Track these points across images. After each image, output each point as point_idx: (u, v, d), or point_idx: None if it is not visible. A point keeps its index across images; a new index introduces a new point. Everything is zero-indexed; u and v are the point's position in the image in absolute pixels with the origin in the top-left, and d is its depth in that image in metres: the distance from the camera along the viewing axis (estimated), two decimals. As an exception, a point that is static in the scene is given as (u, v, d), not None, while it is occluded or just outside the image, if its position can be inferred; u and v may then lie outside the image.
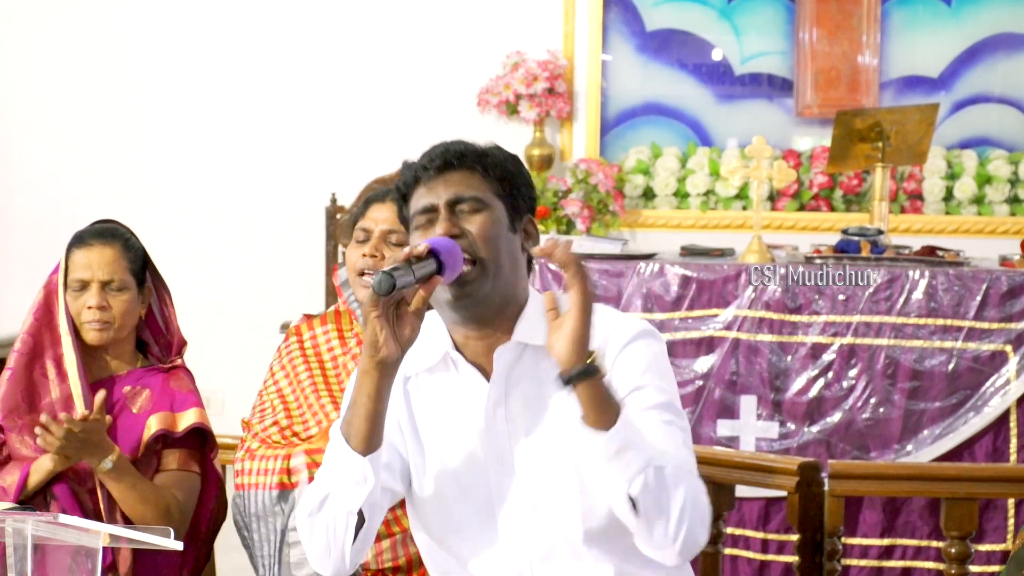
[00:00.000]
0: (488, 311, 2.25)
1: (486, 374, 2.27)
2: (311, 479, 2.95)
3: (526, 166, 2.40)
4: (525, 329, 2.25)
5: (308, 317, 3.24)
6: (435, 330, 2.30)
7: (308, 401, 3.07)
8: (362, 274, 3.10)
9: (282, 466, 2.99)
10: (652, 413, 2.18)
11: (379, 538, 2.97)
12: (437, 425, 2.30)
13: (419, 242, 2.17)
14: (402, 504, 2.96)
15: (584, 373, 2.04)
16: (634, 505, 2.07)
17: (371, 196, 3.21)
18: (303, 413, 3.07)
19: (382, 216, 3.12)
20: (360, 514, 2.20)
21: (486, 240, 2.22)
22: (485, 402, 2.26)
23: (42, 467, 3.01)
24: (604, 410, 2.05)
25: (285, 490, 2.98)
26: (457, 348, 2.30)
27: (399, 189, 2.33)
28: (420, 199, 2.28)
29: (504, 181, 2.30)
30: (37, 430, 2.89)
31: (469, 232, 2.22)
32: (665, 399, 2.21)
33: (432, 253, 2.14)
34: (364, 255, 3.09)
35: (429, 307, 2.25)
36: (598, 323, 2.18)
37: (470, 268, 2.20)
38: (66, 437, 2.89)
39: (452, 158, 2.28)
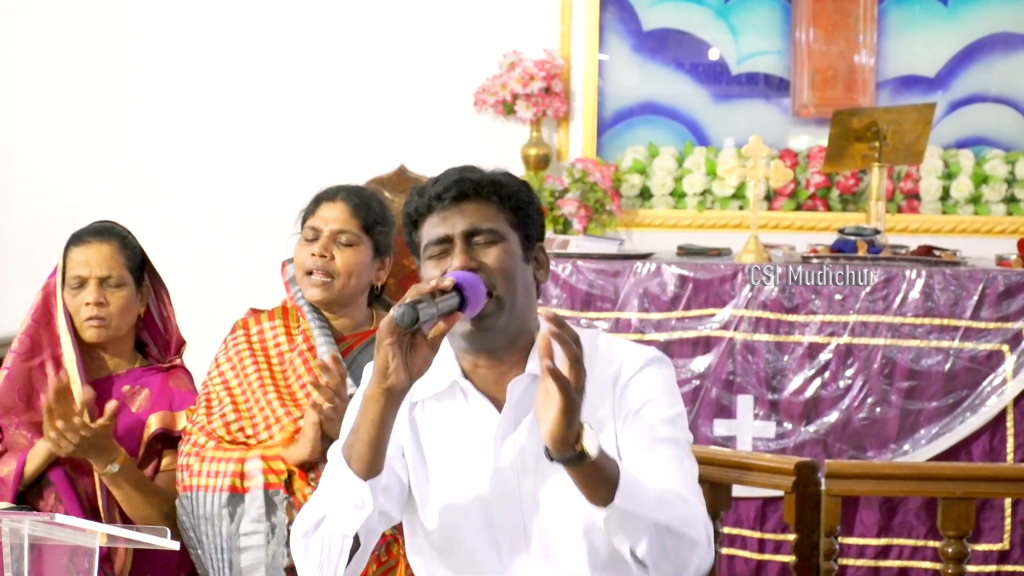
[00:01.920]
0: (502, 343, 2.23)
1: (495, 403, 2.25)
2: (266, 485, 2.93)
3: (536, 193, 2.36)
4: (537, 361, 2.23)
5: (255, 312, 3.23)
6: (442, 356, 2.26)
7: (255, 396, 3.04)
8: (310, 273, 3.10)
9: (235, 469, 2.93)
10: (659, 429, 2.20)
11: None
12: (445, 453, 2.28)
13: (443, 276, 2.15)
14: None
15: (571, 460, 1.99)
16: (641, 562, 2.06)
17: (321, 194, 3.18)
18: (250, 408, 3.03)
19: (332, 215, 3.11)
20: (356, 537, 2.16)
21: (503, 274, 2.20)
22: (494, 432, 2.24)
23: (39, 452, 3.03)
24: (597, 488, 2.02)
25: (236, 494, 2.92)
26: (465, 375, 2.27)
27: (410, 216, 2.28)
28: (434, 228, 2.24)
29: (517, 211, 2.27)
30: (52, 434, 2.90)
31: (485, 265, 2.20)
32: (671, 413, 2.22)
33: (457, 288, 2.12)
34: (313, 254, 3.09)
35: None
36: (608, 353, 2.21)
37: (488, 302, 2.18)
38: (79, 442, 2.91)
39: (468, 188, 2.24)
